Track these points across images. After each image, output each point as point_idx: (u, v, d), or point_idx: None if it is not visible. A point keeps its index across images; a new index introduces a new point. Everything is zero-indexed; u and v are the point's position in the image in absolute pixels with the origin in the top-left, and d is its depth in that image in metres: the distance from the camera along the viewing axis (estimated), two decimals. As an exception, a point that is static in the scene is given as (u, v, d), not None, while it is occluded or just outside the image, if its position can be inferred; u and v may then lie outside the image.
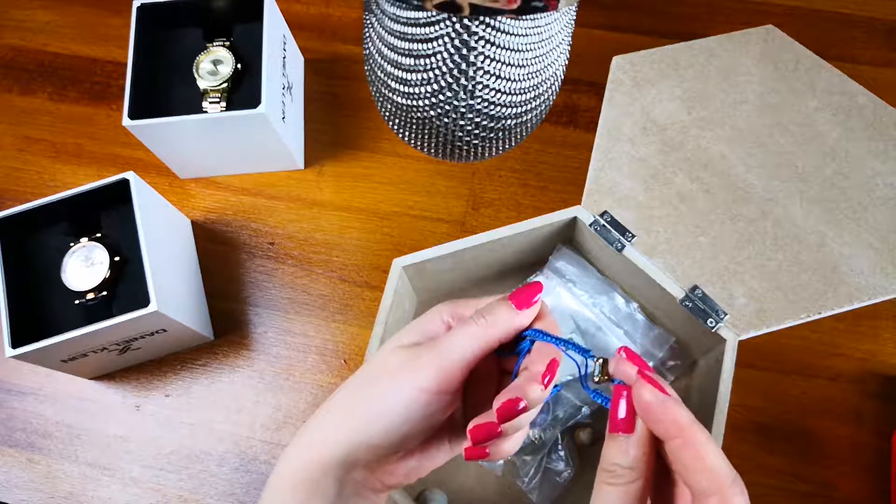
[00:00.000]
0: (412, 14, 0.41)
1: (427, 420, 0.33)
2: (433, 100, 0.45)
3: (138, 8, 0.57)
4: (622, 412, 0.30)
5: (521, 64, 0.44)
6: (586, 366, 0.33)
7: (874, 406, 0.55)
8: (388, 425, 0.33)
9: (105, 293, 0.52)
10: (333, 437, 0.33)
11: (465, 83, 0.44)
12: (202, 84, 0.58)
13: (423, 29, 0.41)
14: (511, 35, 0.42)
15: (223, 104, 0.57)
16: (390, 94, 0.47)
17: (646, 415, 0.29)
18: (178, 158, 0.61)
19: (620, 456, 0.29)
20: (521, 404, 0.31)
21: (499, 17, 0.40)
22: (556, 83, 0.49)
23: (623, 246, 0.50)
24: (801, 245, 0.50)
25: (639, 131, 0.54)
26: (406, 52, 0.43)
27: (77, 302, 0.52)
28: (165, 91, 0.59)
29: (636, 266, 0.50)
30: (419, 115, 0.47)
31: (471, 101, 0.45)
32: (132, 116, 0.54)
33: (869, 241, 0.49)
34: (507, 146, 0.51)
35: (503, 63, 0.43)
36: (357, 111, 0.66)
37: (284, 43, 0.61)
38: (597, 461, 0.31)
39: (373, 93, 0.51)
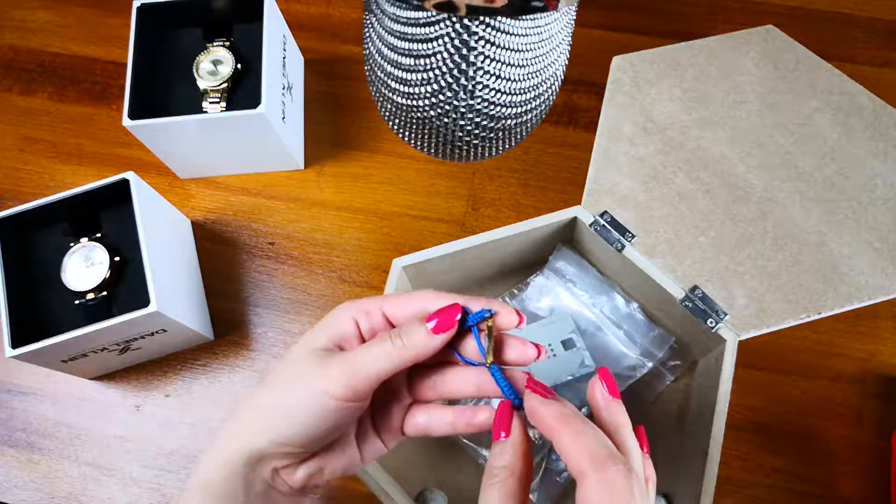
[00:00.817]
0: (412, 14, 0.41)
1: (334, 424, 0.34)
2: (433, 100, 0.45)
3: (138, 8, 0.57)
4: (501, 419, 0.33)
5: (521, 64, 0.44)
6: (478, 340, 0.35)
7: (874, 406, 0.55)
8: (296, 426, 0.33)
9: (105, 293, 0.52)
10: (242, 435, 0.34)
11: (465, 83, 0.44)
12: (202, 84, 0.58)
13: (422, 29, 0.41)
14: (511, 35, 0.42)
15: (223, 104, 0.57)
16: (390, 94, 0.47)
17: (531, 417, 0.33)
18: (178, 158, 0.61)
19: (498, 458, 0.32)
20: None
21: (498, 17, 0.40)
22: (556, 83, 0.49)
23: (623, 246, 0.51)
24: (801, 245, 0.50)
25: (639, 131, 0.54)
26: (406, 52, 0.43)
27: (77, 302, 0.52)
28: (165, 91, 0.59)
29: (636, 266, 0.50)
30: (419, 115, 0.47)
31: (471, 101, 0.45)
32: (132, 116, 0.54)
33: (869, 241, 0.50)
34: (507, 146, 0.51)
35: (503, 63, 0.43)
36: (357, 111, 0.66)
37: (284, 43, 0.61)
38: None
39: (373, 93, 0.51)
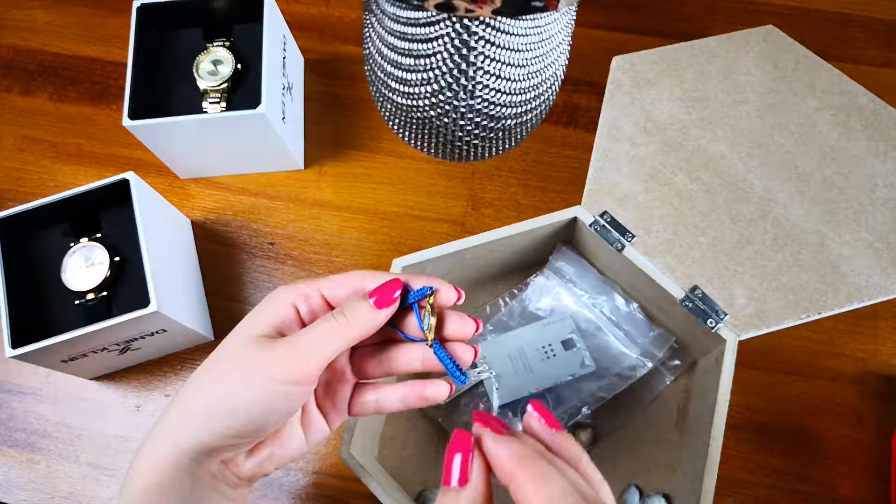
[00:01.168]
0: (412, 14, 0.41)
1: (283, 410, 0.33)
2: (433, 100, 0.45)
3: (138, 8, 0.57)
4: (456, 463, 0.28)
5: (521, 64, 0.44)
6: (419, 317, 0.35)
7: (874, 406, 0.55)
8: (243, 415, 0.32)
9: (105, 293, 0.52)
10: (187, 429, 0.33)
11: (465, 83, 0.44)
12: (202, 84, 0.58)
13: (423, 29, 0.41)
14: (511, 35, 0.42)
15: (223, 104, 0.57)
16: (390, 94, 0.47)
17: (489, 457, 0.28)
18: (178, 158, 0.61)
19: None
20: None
21: (498, 17, 0.40)
22: (556, 83, 0.49)
23: (623, 246, 0.51)
24: (801, 245, 0.50)
25: (639, 131, 0.54)
26: (406, 52, 0.43)
27: (77, 302, 0.52)
28: (165, 91, 0.59)
29: (636, 266, 0.50)
30: (419, 115, 0.47)
31: (471, 101, 0.45)
32: (132, 116, 0.54)
33: (869, 241, 0.50)
34: (507, 146, 0.52)
35: (503, 63, 0.43)
36: (357, 111, 0.66)
37: (284, 43, 0.61)
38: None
39: (373, 93, 0.51)
